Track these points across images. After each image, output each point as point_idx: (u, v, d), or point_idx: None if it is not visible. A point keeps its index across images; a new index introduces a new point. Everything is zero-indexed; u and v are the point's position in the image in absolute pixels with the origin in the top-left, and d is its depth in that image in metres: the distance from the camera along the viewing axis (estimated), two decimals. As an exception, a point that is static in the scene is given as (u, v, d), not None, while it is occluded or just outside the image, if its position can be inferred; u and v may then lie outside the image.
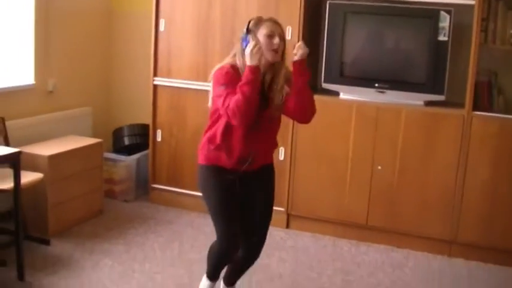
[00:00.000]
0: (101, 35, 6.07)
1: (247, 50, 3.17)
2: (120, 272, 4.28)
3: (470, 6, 4.55)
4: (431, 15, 4.67)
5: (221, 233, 3.52)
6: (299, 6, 4.89)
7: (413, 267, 4.63)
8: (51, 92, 5.40)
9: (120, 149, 5.87)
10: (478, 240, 4.72)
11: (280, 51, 3.31)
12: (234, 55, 3.37)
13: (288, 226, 5.23)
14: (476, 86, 4.65)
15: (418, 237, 4.86)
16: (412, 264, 4.68)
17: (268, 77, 3.35)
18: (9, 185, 4.07)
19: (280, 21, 5.02)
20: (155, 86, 5.46)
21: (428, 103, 4.78)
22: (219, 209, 3.51)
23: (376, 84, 4.83)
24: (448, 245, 4.81)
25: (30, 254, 4.36)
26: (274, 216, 4.79)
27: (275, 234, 5.00)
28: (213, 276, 3.72)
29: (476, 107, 4.65)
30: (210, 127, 3.46)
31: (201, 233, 5.04)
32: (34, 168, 4.53)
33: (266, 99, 3.35)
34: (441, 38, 4.65)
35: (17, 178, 4.01)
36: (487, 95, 4.76)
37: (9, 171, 4.14)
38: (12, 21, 5.15)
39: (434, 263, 4.73)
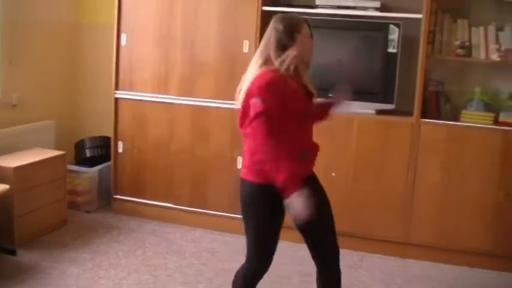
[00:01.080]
0: (64, 48, 6.17)
1: None
2: (87, 279, 4.39)
3: (418, 20, 4.79)
4: (381, 28, 4.90)
5: (257, 252, 3.35)
6: (255, 20, 5.08)
7: (369, 268, 4.83)
8: (15, 105, 5.49)
9: (82, 161, 5.96)
10: (430, 241, 4.95)
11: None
12: (265, 62, 3.21)
13: (248, 233, 5.40)
14: (425, 94, 4.90)
15: (372, 240, 5.06)
16: (367, 265, 4.89)
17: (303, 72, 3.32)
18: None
19: (238, 35, 5.29)
20: (116, 99, 5.59)
21: (380, 112, 5.00)
22: (266, 231, 3.31)
23: (330, 94, 5.03)
24: (401, 246, 5.03)
25: (-3, 264, 4.46)
26: (235, 223, 4.96)
27: (237, 242, 5.15)
28: None
29: (425, 114, 4.89)
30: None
31: (163, 240, 5.19)
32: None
33: (308, 92, 3.34)
34: (391, 49, 4.88)
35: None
36: (435, 103, 5.01)
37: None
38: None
39: (388, 263, 4.94)
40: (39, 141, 5.59)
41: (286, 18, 3.28)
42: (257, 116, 3.08)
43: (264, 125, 3.06)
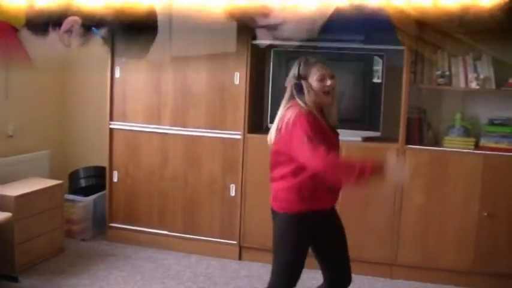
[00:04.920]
0: (57, 81, 6.34)
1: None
2: (90, 303, 4.54)
3: (401, 51, 5.04)
4: (365, 59, 5.13)
5: (284, 279, 3.58)
6: (246, 53, 5.29)
7: (359, 290, 5.02)
8: (11, 136, 5.63)
9: (76, 190, 6.08)
10: (416, 261, 5.14)
11: (332, 90, 3.48)
12: (290, 100, 3.45)
13: (240, 257, 5.57)
14: (408, 122, 5.12)
15: (361, 262, 5.18)
16: (357, 286, 5.04)
17: (327, 111, 3.55)
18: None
19: (229, 67, 5.45)
20: (111, 130, 5.75)
21: (366, 139, 5.20)
22: (298, 258, 3.54)
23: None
24: (389, 267, 5.22)
25: (0, 291, 4.56)
26: (226, 248, 5.11)
27: (229, 266, 5.34)
28: None
29: (408, 141, 5.13)
30: (286, 170, 3.53)
31: (160, 266, 5.32)
32: (0, 208, 4.74)
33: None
34: (375, 79, 5.11)
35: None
36: (418, 130, 5.24)
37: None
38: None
39: (377, 284, 5.13)
40: (34, 170, 5.72)
41: (300, 63, 3.46)
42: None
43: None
